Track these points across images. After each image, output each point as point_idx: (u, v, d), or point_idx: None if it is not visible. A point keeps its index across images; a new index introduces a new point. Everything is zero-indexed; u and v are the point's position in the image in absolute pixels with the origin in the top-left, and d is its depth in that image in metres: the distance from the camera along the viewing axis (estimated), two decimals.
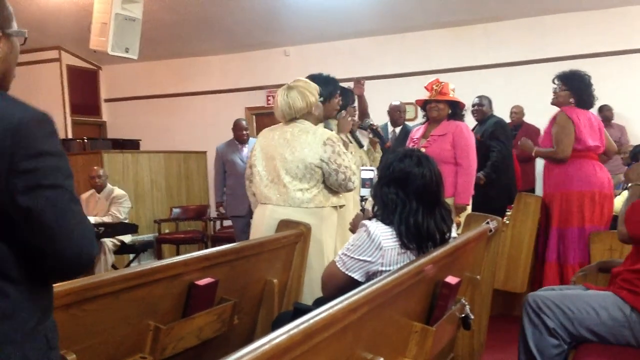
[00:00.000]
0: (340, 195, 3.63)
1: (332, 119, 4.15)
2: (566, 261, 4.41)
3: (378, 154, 4.62)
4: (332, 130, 3.79)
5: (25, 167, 1.28)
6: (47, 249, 1.33)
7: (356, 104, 5.07)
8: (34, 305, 1.38)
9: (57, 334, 1.47)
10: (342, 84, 4.62)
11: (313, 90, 3.57)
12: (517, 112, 7.58)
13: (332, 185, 3.48)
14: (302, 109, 3.51)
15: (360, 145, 4.41)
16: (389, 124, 6.62)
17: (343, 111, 4.14)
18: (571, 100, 4.60)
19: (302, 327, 1.38)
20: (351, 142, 4.26)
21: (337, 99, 4.00)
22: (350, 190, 3.53)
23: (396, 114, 6.52)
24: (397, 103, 6.60)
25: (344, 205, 3.68)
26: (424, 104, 4.93)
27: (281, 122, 3.61)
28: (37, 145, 1.30)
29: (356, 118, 4.84)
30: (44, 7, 7.84)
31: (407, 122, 6.81)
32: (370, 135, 4.69)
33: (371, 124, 4.84)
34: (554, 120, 4.58)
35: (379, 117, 6.37)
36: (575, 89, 4.56)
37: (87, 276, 2.02)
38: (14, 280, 1.33)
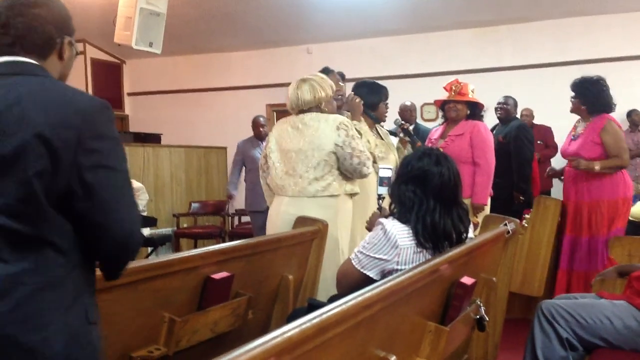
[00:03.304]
0: (354, 182, 3.63)
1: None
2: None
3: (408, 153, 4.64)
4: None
5: (90, 146, 1.46)
6: (102, 223, 1.49)
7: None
8: (79, 277, 1.53)
9: (98, 312, 1.61)
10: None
11: (326, 86, 3.61)
12: (528, 115, 7.51)
13: (347, 170, 3.49)
14: (309, 102, 3.55)
15: (377, 122, 4.45)
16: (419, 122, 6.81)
17: (351, 92, 4.16)
18: (582, 107, 4.58)
19: (315, 321, 1.38)
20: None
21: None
22: (365, 175, 3.54)
23: (406, 113, 6.61)
24: (408, 103, 6.72)
25: (357, 193, 3.68)
26: (442, 105, 4.91)
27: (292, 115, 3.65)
28: (100, 128, 1.50)
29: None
30: (70, 0, 7.89)
31: (419, 122, 6.89)
32: (401, 135, 4.70)
33: (402, 124, 4.85)
34: (600, 129, 4.54)
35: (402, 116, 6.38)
36: (584, 96, 4.55)
37: None
38: (63, 251, 1.48)
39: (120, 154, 1.54)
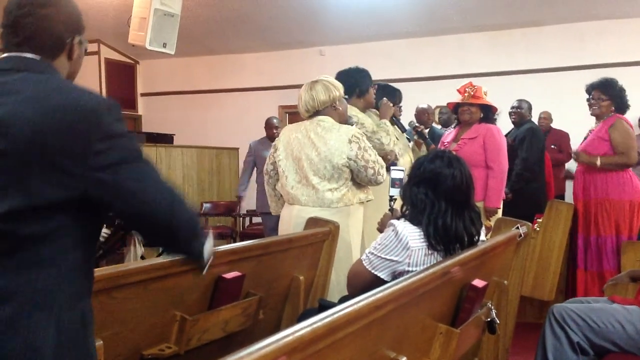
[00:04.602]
0: (367, 191, 3.63)
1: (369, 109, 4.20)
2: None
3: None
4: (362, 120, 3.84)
5: (100, 148, 1.43)
6: (140, 213, 1.50)
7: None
8: (76, 281, 1.48)
9: (93, 316, 1.54)
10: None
11: (338, 86, 3.60)
12: (546, 118, 7.48)
13: (362, 181, 3.49)
14: (325, 101, 3.53)
15: (403, 130, 4.42)
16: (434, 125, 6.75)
17: (384, 98, 4.15)
18: (612, 108, 4.58)
19: (326, 321, 1.38)
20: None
21: (373, 89, 4.19)
22: (379, 183, 3.53)
23: (424, 116, 6.54)
24: (425, 106, 6.63)
25: (371, 199, 3.68)
26: (455, 107, 4.90)
27: (304, 120, 3.64)
28: (108, 129, 1.46)
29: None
30: (85, 0, 7.96)
31: (434, 125, 6.84)
32: (415, 137, 4.70)
33: (416, 126, 4.85)
34: (608, 126, 4.56)
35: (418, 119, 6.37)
36: (615, 96, 4.56)
37: (116, 264, 2.06)
38: (62, 252, 1.44)
39: (133, 146, 1.52)
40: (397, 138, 4.34)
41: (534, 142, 5.64)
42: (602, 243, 4.54)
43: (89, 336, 1.51)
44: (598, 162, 4.55)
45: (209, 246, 1.62)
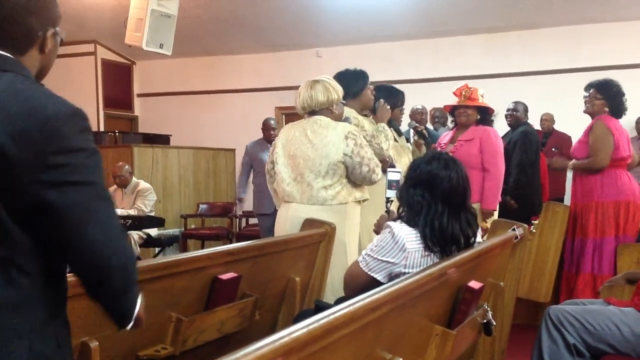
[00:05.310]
0: (363, 189, 3.63)
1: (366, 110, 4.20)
2: (601, 272, 4.37)
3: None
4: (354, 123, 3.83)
5: (53, 162, 1.27)
6: (72, 245, 1.32)
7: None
8: (47, 300, 1.36)
9: (69, 331, 1.45)
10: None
11: (337, 88, 3.61)
12: (548, 120, 7.49)
13: (357, 178, 3.49)
14: (323, 102, 3.54)
15: (400, 134, 4.42)
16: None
17: (381, 100, 4.15)
18: (606, 109, 4.57)
19: (322, 322, 1.38)
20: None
21: (369, 89, 4.16)
22: (374, 182, 3.53)
23: (417, 116, 6.54)
24: (419, 107, 6.64)
25: (367, 199, 3.67)
26: (452, 110, 4.90)
27: (302, 119, 3.64)
28: (67, 142, 1.29)
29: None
30: (82, 1, 7.95)
31: (428, 127, 6.83)
32: (415, 137, 4.70)
33: (416, 126, 4.85)
34: (589, 129, 4.54)
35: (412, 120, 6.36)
36: (610, 98, 4.55)
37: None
38: (29, 272, 1.31)
39: (91, 166, 1.34)
40: (395, 140, 4.34)
41: (526, 145, 5.61)
42: (584, 245, 4.54)
43: (65, 355, 1.42)
44: (570, 166, 4.67)
45: (138, 305, 1.45)
